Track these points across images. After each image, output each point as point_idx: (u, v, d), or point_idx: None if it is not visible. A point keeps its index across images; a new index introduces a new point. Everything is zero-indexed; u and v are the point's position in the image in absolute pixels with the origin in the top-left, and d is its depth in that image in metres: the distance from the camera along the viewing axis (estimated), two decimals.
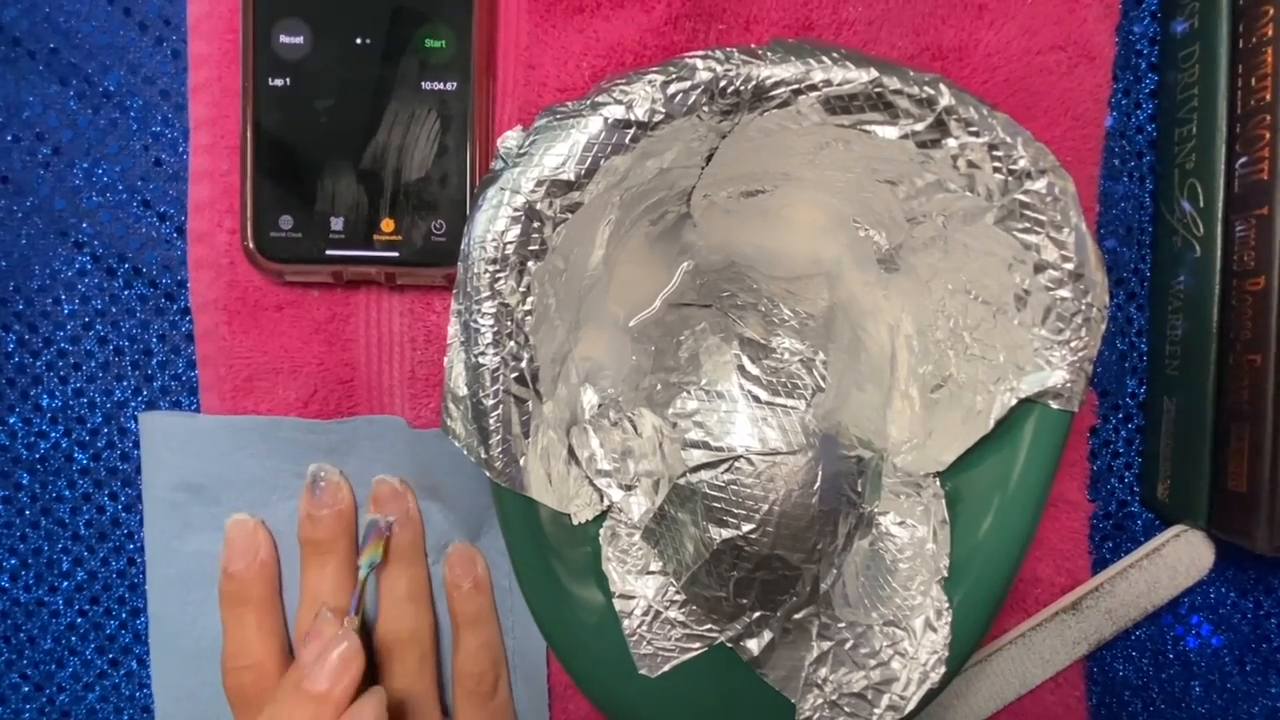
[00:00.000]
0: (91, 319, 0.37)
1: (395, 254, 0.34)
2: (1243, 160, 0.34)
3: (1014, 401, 0.31)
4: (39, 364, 0.37)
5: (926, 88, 0.29)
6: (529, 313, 0.29)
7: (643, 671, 0.31)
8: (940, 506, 0.32)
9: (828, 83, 0.29)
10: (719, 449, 0.31)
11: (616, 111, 0.28)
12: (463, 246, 0.29)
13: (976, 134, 0.29)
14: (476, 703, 0.36)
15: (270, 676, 0.34)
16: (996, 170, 0.29)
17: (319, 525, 0.35)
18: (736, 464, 0.31)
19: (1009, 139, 0.29)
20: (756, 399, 0.32)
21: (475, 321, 0.29)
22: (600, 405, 0.33)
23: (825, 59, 0.29)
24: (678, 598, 0.32)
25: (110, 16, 0.36)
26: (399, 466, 0.36)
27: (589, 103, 0.29)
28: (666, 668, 0.31)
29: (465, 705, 0.36)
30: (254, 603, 0.35)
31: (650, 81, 0.28)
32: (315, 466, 0.35)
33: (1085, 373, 0.30)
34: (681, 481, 0.31)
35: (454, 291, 0.29)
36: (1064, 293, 0.30)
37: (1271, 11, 0.33)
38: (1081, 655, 0.38)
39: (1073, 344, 0.30)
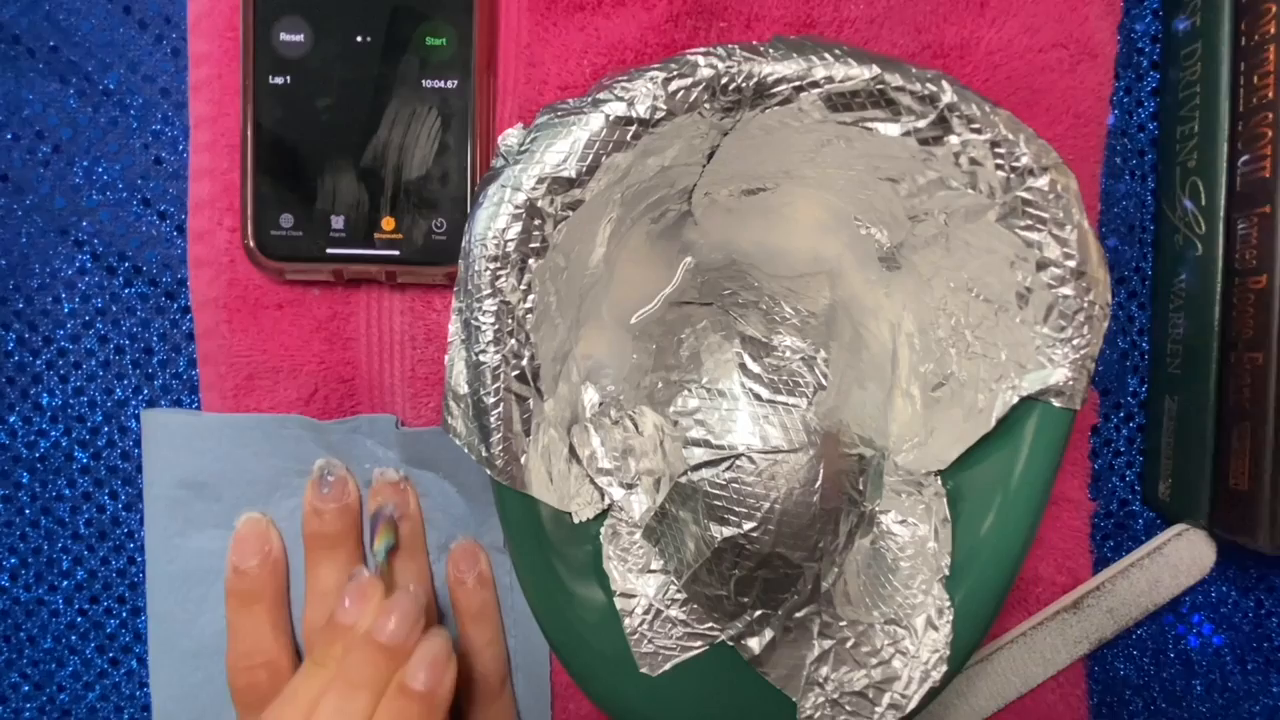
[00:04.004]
0: (92, 317, 0.37)
1: (396, 252, 0.34)
2: (1245, 158, 0.34)
3: (1016, 400, 0.31)
4: (39, 362, 0.37)
5: (928, 85, 0.29)
6: (530, 311, 0.29)
7: (644, 670, 0.31)
8: (942, 505, 0.32)
9: (829, 80, 0.29)
10: (720, 447, 0.31)
11: (618, 109, 0.28)
12: (464, 244, 0.29)
13: (978, 131, 0.29)
14: (485, 700, 0.36)
15: (284, 673, 0.34)
16: (999, 168, 0.29)
17: (325, 520, 0.35)
18: (738, 462, 0.31)
19: (1011, 136, 0.29)
20: (758, 397, 0.32)
21: (476, 319, 0.29)
22: (601, 403, 0.33)
23: (827, 56, 0.29)
24: (679, 596, 0.32)
25: (110, 14, 0.36)
26: (400, 465, 0.36)
27: (590, 100, 0.28)
28: (667, 666, 0.31)
29: (473, 703, 0.36)
30: (267, 600, 0.35)
31: (652, 79, 0.28)
32: (322, 461, 0.35)
33: (1087, 371, 0.30)
34: (683, 480, 0.31)
35: (455, 289, 0.29)
36: (1066, 290, 0.30)
37: (1274, 9, 0.33)
38: (1083, 654, 0.38)
39: (1075, 342, 0.30)
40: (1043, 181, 0.29)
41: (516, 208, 0.28)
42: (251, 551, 0.35)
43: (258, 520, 0.36)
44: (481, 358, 0.29)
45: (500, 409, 0.29)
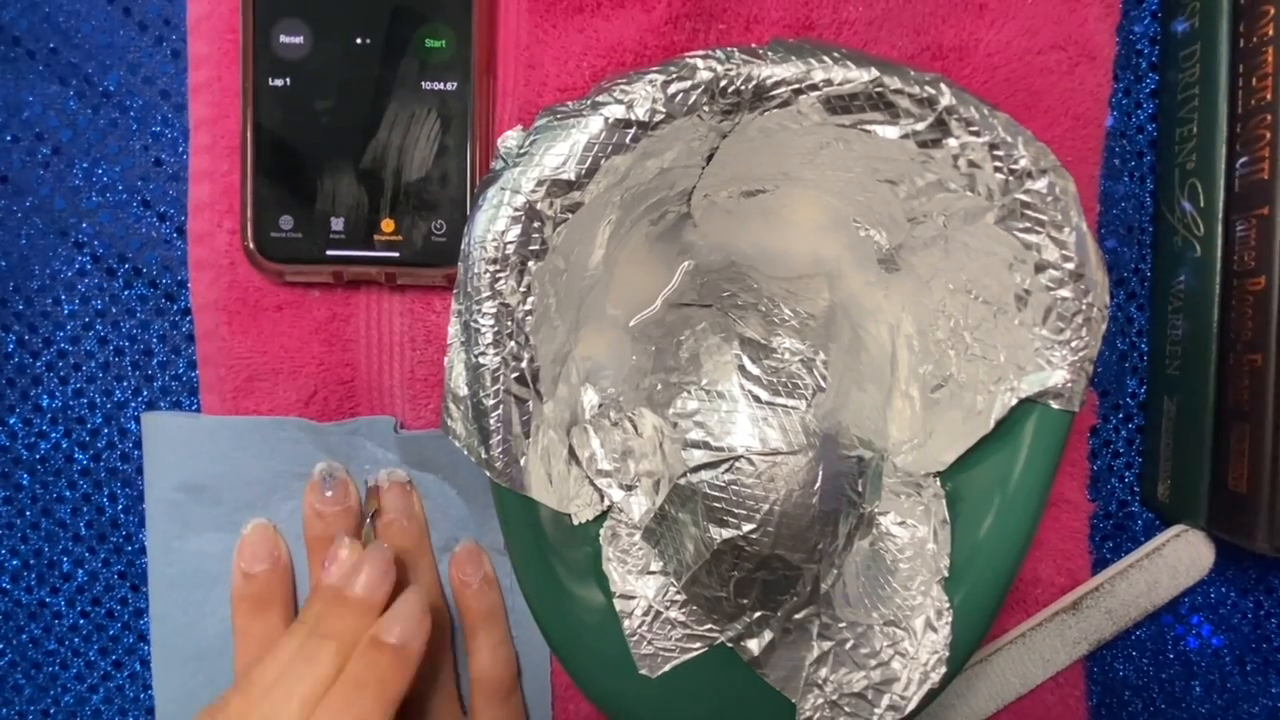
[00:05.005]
0: (92, 319, 0.37)
1: (395, 254, 0.34)
2: (1243, 160, 0.34)
3: (1014, 401, 0.31)
4: (39, 364, 0.37)
5: (927, 87, 0.29)
6: (529, 313, 0.29)
7: (643, 672, 0.31)
8: (941, 506, 0.32)
9: (828, 82, 0.29)
10: (719, 449, 0.31)
11: (617, 111, 0.28)
12: (463, 246, 0.29)
13: (977, 134, 0.29)
14: (497, 702, 0.36)
15: None
16: (997, 170, 0.29)
17: (329, 523, 0.35)
18: (737, 464, 0.31)
19: (1010, 138, 0.29)
20: (757, 399, 0.32)
21: (475, 321, 0.29)
22: (601, 405, 0.33)
23: (826, 59, 0.29)
24: (678, 598, 0.32)
25: (110, 16, 0.36)
26: (399, 466, 0.36)
27: (589, 102, 0.29)
28: (667, 668, 0.31)
29: (485, 706, 0.36)
30: (279, 604, 0.35)
31: (651, 81, 0.28)
32: (324, 464, 0.36)
33: (1086, 373, 0.30)
34: (682, 481, 0.31)
35: (454, 291, 0.29)
36: (1065, 292, 0.30)
37: (1272, 11, 0.33)
38: (1082, 655, 0.38)
39: (1073, 344, 0.30)
40: (1041, 184, 0.29)
41: (516, 210, 0.28)
42: (262, 556, 0.35)
43: (265, 527, 0.36)
44: (481, 360, 0.29)
45: (500, 411, 0.29)
